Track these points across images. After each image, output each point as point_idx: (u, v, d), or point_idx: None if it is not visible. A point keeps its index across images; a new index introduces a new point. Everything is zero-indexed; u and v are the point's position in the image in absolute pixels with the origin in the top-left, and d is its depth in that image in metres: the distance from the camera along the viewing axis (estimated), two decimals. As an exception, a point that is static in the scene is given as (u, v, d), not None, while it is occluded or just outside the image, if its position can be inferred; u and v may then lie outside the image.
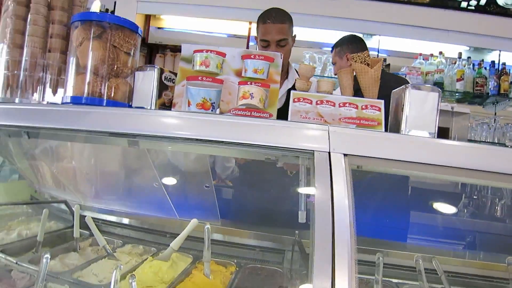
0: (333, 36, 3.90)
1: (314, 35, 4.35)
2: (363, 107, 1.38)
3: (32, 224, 2.32)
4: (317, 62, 4.09)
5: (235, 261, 1.92)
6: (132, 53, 1.59)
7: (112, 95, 1.53)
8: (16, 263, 1.76)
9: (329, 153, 1.15)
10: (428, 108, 1.36)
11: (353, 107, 1.38)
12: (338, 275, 0.91)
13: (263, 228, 1.98)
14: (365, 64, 1.44)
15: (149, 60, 4.54)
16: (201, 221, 1.84)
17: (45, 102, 1.71)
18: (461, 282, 1.81)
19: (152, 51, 4.57)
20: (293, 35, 2.41)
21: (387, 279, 1.76)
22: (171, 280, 1.69)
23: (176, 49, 4.47)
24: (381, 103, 1.40)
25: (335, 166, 1.11)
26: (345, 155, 1.16)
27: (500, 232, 2.57)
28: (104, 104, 1.51)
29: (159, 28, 4.61)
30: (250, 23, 4.36)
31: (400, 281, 1.81)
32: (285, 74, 2.44)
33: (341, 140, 1.19)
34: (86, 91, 1.51)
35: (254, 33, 3.68)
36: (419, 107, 1.35)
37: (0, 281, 1.66)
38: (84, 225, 2.10)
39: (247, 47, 4.33)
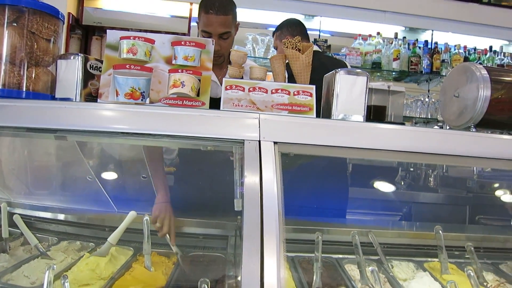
0: (277, 17, 3.90)
1: (257, 17, 4.31)
2: (295, 93, 1.39)
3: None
4: (260, 44, 4.07)
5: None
6: (53, 40, 1.48)
7: (32, 86, 1.42)
8: None
9: (259, 141, 1.15)
10: (357, 92, 1.39)
11: (285, 93, 1.38)
12: (268, 261, 0.92)
13: (205, 216, 1.97)
14: (296, 49, 1.45)
15: (85, 43, 4.29)
16: (140, 213, 1.80)
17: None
18: (396, 252, 1.93)
19: (88, 33, 4.31)
20: (236, 23, 2.33)
21: (327, 255, 1.83)
22: (110, 276, 1.64)
23: (114, 31, 4.24)
24: (312, 88, 1.41)
25: (265, 154, 1.12)
26: (275, 142, 1.16)
27: (429, 202, 2.75)
28: (24, 96, 1.40)
29: (96, 8, 4.34)
30: (191, 3, 4.24)
31: (340, 256, 1.90)
32: (226, 63, 2.38)
33: (271, 128, 1.20)
34: (1, 82, 1.38)
35: (195, 14, 3.59)
36: (349, 91, 1.38)
37: None
38: (14, 224, 1.98)
39: (189, 28, 4.21)
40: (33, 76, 1.43)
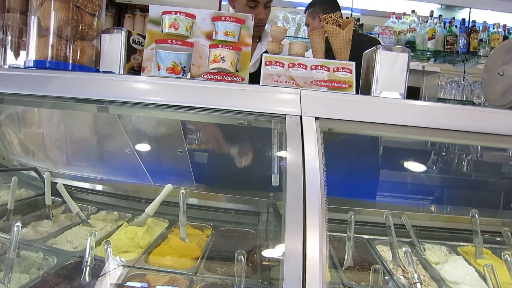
0: (307, -5, 3.82)
1: (288, -6, 4.25)
2: (335, 69, 1.38)
3: (1, 192, 2.27)
4: (291, 23, 4.02)
5: (211, 224, 1.95)
6: (97, 14, 1.51)
7: (78, 59, 1.47)
8: (-14, 231, 1.74)
9: (300, 116, 1.16)
10: (398, 69, 1.37)
11: (324, 70, 1.38)
12: (310, 235, 0.94)
13: (238, 192, 2.01)
14: (336, 25, 1.43)
15: (118, 21, 4.33)
16: (175, 186, 1.85)
17: (6, 66, 1.63)
18: (429, 235, 1.92)
19: (121, 11, 4.35)
20: None
21: (359, 235, 1.84)
22: (147, 245, 1.70)
23: (146, 9, 4.25)
24: (352, 65, 1.40)
25: (307, 129, 1.12)
26: (316, 118, 1.17)
27: (465, 186, 2.70)
28: (70, 69, 1.45)
29: (128, -15, 4.36)
30: (223, -19, 4.20)
31: (371, 237, 1.90)
32: (257, 37, 2.38)
33: (312, 103, 1.20)
34: (50, 54, 1.43)
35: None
36: (390, 68, 1.36)
37: (-30, 250, 1.63)
38: (56, 192, 2.07)
39: (219, 6, 4.19)
40: (79, 49, 1.47)
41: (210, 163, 2.17)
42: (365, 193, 2.13)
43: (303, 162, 1.05)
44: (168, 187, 1.83)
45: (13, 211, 1.94)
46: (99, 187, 2.22)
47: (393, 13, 4.36)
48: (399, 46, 1.42)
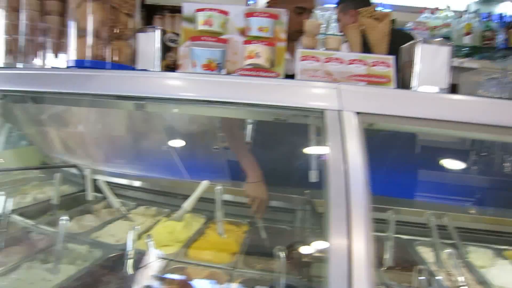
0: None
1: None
2: (373, 63, 1.34)
3: (46, 188, 2.37)
4: (319, 20, 3.94)
5: (247, 220, 1.96)
6: (132, 14, 1.53)
7: (116, 58, 1.49)
8: (35, 225, 1.82)
9: (340, 111, 1.13)
10: (439, 63, 1.31)
11: (362, 64, 1.34)
12: (355, 234, 0.92)
13: (273, 189, 2.00)
14: (373, 18, 1.38)
15: (147, 23, 4.40)
16: (212, 183, 1.87)
17: (48, 67, 1.68)
18: (472, 237, 1.84)
19: (151, 12, 4.42)
20: None
21: (398, 235, 1.79)
22: (185, 239, 1.74)
23: (175, 10, 4.30)
24: (391, 59, 1.35)
25: (347, 124, 1.10)
26: (356, 113, 1.13)
27: (504, 188, 2.57)
28: (108, 67, 1.48)
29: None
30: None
31: (411, 237, 1.85)
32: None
33: (352, 98, 1.16)
34: (88, 54, 1.47)
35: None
36: (430, 62, 1.30)
37: (21, 242, 1.71)
38: (96, 188, 2.14)
39: (246, 3, 4.16)
40: (116, 48, 1.50)
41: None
42: (404, 191, 2.07)
43: (345, 158, 1.02)
44: (205, 183, 1.85)
45: (57, 206, 2.03)
46: (137, 183, 2.27)
47: (427, 8, 4.18)
48: (440, 39, 1.36)
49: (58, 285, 1.36)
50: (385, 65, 1.32)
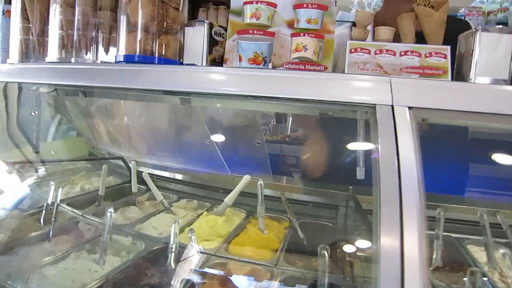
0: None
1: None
2: (427, 54, 1.28)
3: (93, 179, 2.46)
4: (366, 9, 3.84)
5: (288, 216, 1.93)
6: (180, 8, 1.55)
7: (163, 52, 1.51)
8: (82, 215, 1.89)
9: (392, 106, 1.08)
10: (501, 52, 1.23)
11: (415, 56, 1.28)
12: (408, 234, 0.88)
13: (316, 184, 1.96)
14: (429, 6, 1.31)
15: (192, 15, 4.46)
16: (253, 177, 1.86)
17: (98, 61, 1.74)
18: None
19: (195, 5, 4.46)
20: None
21: (447, 233, 1.71)
22: (226, 234, 1.74)
23: (219, 2, 4.32)
24: (447, 49, 1.28)
25: (400, 120, 1.05)
26: (409, 108, 1.08)
27: None
28: (156, 62, 1.50)
29: (201, -21, 4.46)
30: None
31: (461, 236, 1.76)
32: None
33: (405, 92, 1.11)
34: (138, 49, 1.50)
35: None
36: (491, 52, 1.22)
37: (69, 232, 1.79)
38: (140, 180, 2.19)
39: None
40: (164, 43, 1.52)
41: (287, 154, 2.14)
42: (454, 188, 1.97)
43: (398, 155, 0.98)
44: (246, 177, 1.84)
45: (103, 197, 2.10)
46: (179, 176, 2.31)
47: (482, -8, 3.97)
48: (501, 27, 1.27)
49: (104, 276, 1.40)
50: (441, 55, 1.25)
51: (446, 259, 1.55)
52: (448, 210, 1.77)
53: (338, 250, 1.58)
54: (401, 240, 0.87)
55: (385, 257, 0.87)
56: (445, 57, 1.27)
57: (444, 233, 1.64)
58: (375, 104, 1.10)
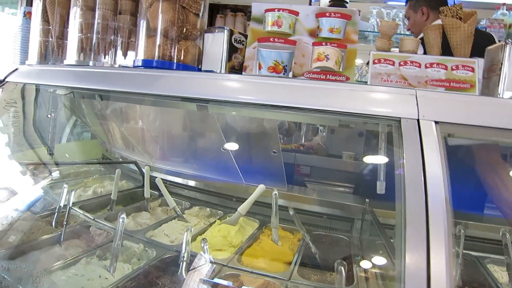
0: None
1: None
2: (453, 67, 1.24)
3: (106, 182, 2.45)
4: (385, 18, 3.80)
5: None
6: (200, 14, 1.53)
7: (182, 58, 1.50)
8: (94, 220, 1.87)
9: (418, 120, 1.04)
10: (531, 66, 1.18)
11: (441, 68, 1.24)
12: (434, 253, 0.83)
13: (331, 196, 1.92)
14: (457, 18, 1.28)
15: (210, 22, 4.48)
16: (268, 187, 1.83)
17: (116, 65, 1.73)
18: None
19: (213, 11, 4.48)
20: None
21: (467, 251, 1.66)
22: (239, 244, 1.71)
23: (237, 9, 4.34)
24: (474, 62, 1.24)
25: (426, 134, 1.01)
26: (436, 122, 1.04)
27: None
28: (174, 68, 1.49)
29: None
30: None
31: (481, 254, 1.71)
32: None
33: (431, 105, 1.07)
34: (156, 54, 1.49)
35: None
36: (521, 66, 1.18)
37: (81, 236, 1.77)
38: (153, 186, 2.18)
39: (310, 2, 4.10)
40: (183, 49, 1.50)
41: (302, 164, 2.11)
42: (474, 205, 1.91)
43: (424, 171, 0.94)
44: (261, 187, 1.81)
45: (115, 202, 2.08)
46: (192, 183, 2.29)
47: (504, 4, 3.88)
48: (532, 40, 1.22)
49: (114, 284, 1.38)
50: (468, 69, 1.21)
51: (466, 278, 1.49)
52: (468, 227, 1.72)
53: (353, 265, 1.54)
54: (428, 260, 0.83)
55: (411, 277, 0.83)
56: (473, 70, 1.23)
57: (464, 251, 1.59)
58: (400, 118, 1.06)
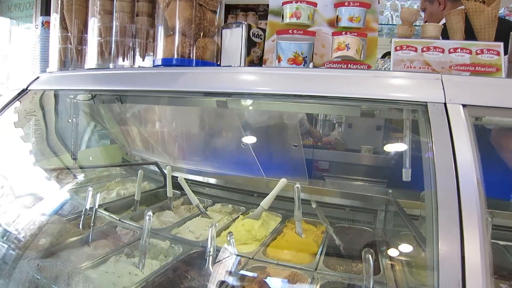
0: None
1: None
2: (478, 51, 1.22)
3: (128, 185, 2.48)
4: (400, 10, 3.75)
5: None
6: (218, 11, 1.54)
7: (201, 55, 1.51)
8: (120, 220, 1.90)
9: (445, 104, 1.03)
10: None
11: (466, 53, 1.22)
12: (468, 238, 0.82)
13: (353, 187, 1.91)
14: (479, 2, 1.26)
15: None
16: (290, 181, 1.83)
17: (136, 67, 1.75)
18: None
19: (224, 12, 4.48)
20: None
21: (494, 241, 1.63)
22: (263, 238, 1.71)
23: (247, 9, 4.34)
24: (499, 46, 1.22)
25: (454, 118, 0.99)
26: (463, 105, 1.03)
27: None
28: (194, 65, 1.50)
29: (227, -14, 4.49)
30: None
31: (509, 243, 1.67)
32: None
33: (458, 89, 1.06)
34: (176, 52, 1.50)
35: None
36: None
37: (108, 235, 1.80)
38: (174, 185, 2.20)
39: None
40: (202, 46, 1.52)
41: (322, 157, 2.10)
42: (502, 192, 1.88)
43: (454, 155, 0.93)
44: (283, 181, 1.81)
45: (139, 202, 2.11)
46: (213, 181, 2.30)
47: (521, -9, 3.81)
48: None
49: (144, 279, 1.40)
50: (493, 52, 1.19)
51: (495, 267, 1.47)
52: (495, 216, 1.69)
53: (378, 255, 1.53)
54: (462, 246, 0.82)
55: (445, 263, 0.82)
56: (498, 54, 1.21)
57: (492, 240, 1.56)
58: (426, 102, 1.05)
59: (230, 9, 4.44)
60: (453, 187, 0.88)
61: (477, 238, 0.83)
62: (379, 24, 3.90)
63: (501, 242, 1.68)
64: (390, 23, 3.73)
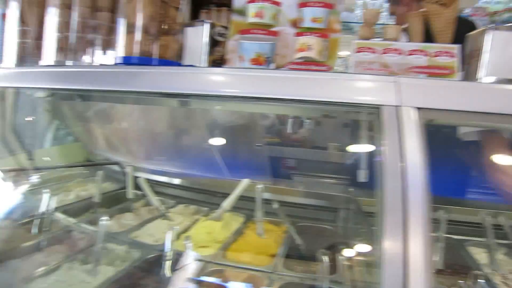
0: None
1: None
2: (435, 54, 1.25)
3: (89, 185, 2.40)
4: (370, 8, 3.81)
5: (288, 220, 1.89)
6: (181, 8, 1.52)
7: (163, 54, 1.48)
8: (76, 224, 1.82)
9: (398, 107, 1.05)
10: (511, 51, 1.20)
11: (423, 55, 1.25)
12: (412, 238, 0.85)
13: (314, 187, 1.93)
14: (439, 4, 1.29)
15: (194, 17, 4.42)
16: (253, 181, 1.82)
17: (96, 64, 1.69)
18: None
19: (196, 7, 4.43)
20: None
21: (448, 235, 1.68)
22: (224, 240, 1.69)
23: (222, 4, 4.30)
24: (455, 48, 1.25)
25: (406, 121, 1.01)
26: (416, 108, 1.05)
27: None
28: (155, 64, 1.46)
29: (201, -20, 4.43)
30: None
31: (462, 237, 1.74)
32: None
33: (412, 92, 1.08)
34: (137, 50, 1.46)
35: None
36: (501, 51, 1.20)
37: (62, 242, 1.71)
38: (137, 186, 2.15)
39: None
40: (163, 44, 1.48)
41: (285, 157, 2.11)
42: (455, 190, 1.94)
43: (402, 157, 0.95)
44: (245, 181, 1.80)
45: (98, 204, 2.04)
46: (176, 181, 2.26)
47: (487, -8, 3.94)
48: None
49: (96, 287, 1.35)
50: (449, 55, 1.23)
51: (447, 261, 1.52)
52: (450, 212, 1.75)
53: (337, 254, 1.54)
54: (405, 245, 0.84)
55: (389, 262, 0.84)
56: (454, 56, 1.25)
57: (445, 235, 1.62)
58: (379, 105, 1.07)
59: (203, 4, 4.38)
60: (398, 190, 0.91)
61: (421, 238, 0.86)
62: (349, 22, 3.96)
63: (455, 237, 1.75)
64: (362, 21, 3.76)
